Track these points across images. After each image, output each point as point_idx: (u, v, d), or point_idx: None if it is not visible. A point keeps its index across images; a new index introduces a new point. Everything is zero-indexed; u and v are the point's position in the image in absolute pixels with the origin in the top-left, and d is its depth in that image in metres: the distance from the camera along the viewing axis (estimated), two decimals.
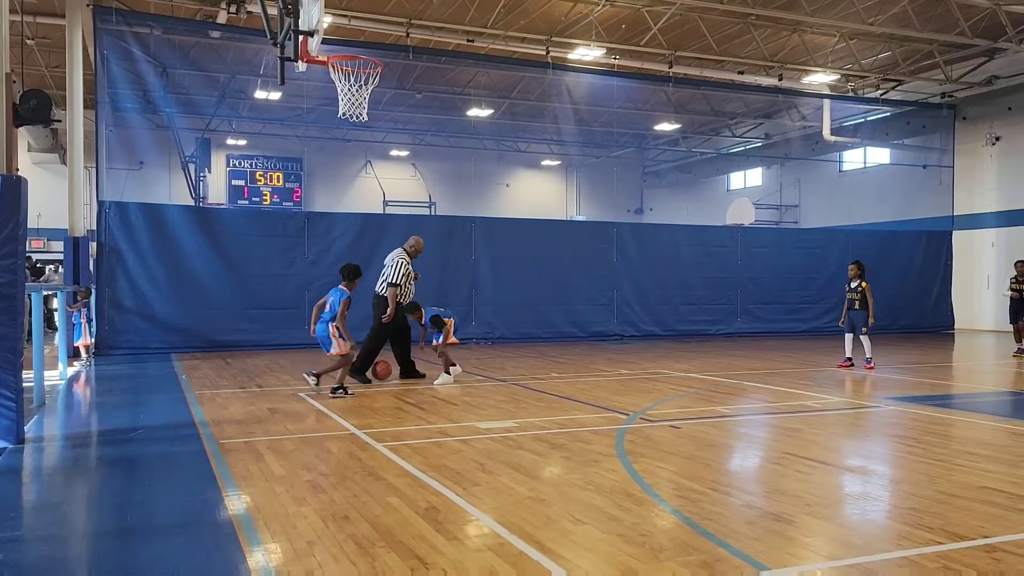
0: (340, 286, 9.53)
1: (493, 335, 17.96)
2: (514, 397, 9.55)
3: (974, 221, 23.35)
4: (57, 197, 18.23)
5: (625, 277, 19.46)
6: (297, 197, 31.75)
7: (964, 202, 23.55)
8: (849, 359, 13.04)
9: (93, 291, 14.63)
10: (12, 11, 12.61)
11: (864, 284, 12.99)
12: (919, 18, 18.56)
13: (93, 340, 14.26)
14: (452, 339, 10.54)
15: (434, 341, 10.49)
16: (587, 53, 19.99)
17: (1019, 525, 4.51)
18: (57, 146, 26.58)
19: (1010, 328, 16.01)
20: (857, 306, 13.00)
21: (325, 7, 10.42)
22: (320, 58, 10.28)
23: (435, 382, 10.55)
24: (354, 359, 10.05)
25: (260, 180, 31.47)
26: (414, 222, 19.27)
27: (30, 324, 8.98)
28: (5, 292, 6.45)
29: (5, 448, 6.48)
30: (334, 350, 9.32)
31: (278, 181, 31.72)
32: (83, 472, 6.12)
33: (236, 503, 4.93)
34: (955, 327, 22.78)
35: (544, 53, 19.72)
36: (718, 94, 25.11)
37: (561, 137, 29.71)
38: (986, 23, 18.75)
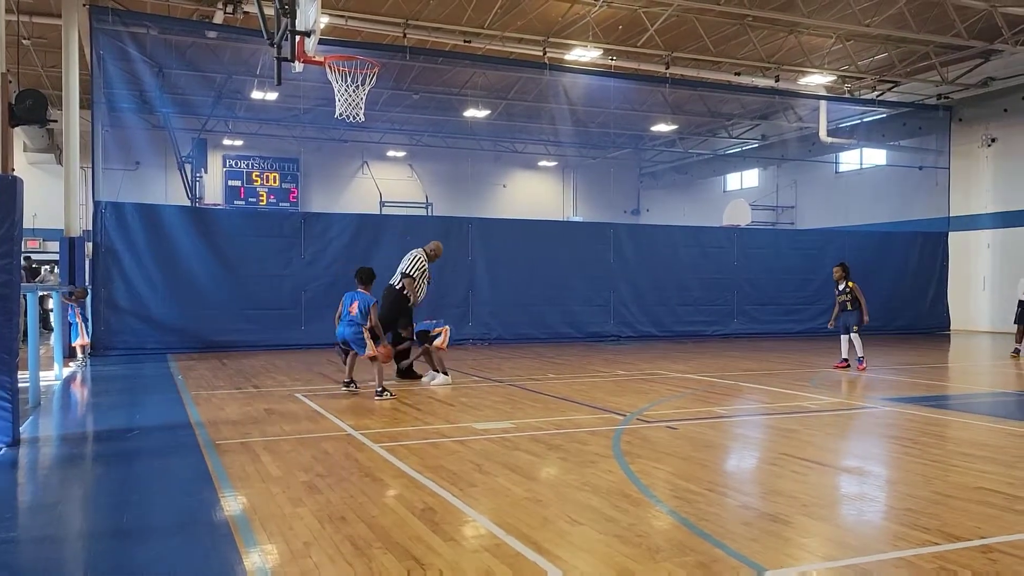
0: (359, 290, 9.56)
1: (490, 336, 17.94)
2: (511, 398, 9.55)
3: (970, 222, 23.40)
4: (53, 197, 18.19)
5: (622, 278, 19.46)
6: (294, 198, 31.72)
7: (960, 203, 23.60)
8: (845, 360, 13.06)
9: (89, 292, 14.61)
10: (8, 11, 12.60)
11: (851, 284, 13.03)
12: (915, 20, 18.59)
13: (89, 340, 14.24)
14: (443, 346, 10.65)
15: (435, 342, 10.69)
16: (584, 54, 19.98)
17: (1015, 526, 4.52)
18: (53, 146, 26.50)
19: (1008, 329, 16.05)
20: (849, 307, 13.04)
21: (322, 7, 10.40)
22: (317, 58, 10.29)
23: (432, 383, 10.57)
24: (387, 360, 9.95)
25: (256, 180, 31.44)
26: (411, 223, 19.21)
27: (26, 324, 8.96)
28: (1, 292, 6.43)
29: (0, 449, 6.47)
30: (368, 352, 9.38)
31: (274, 182, 31.68)
32: (79, 473, 6.11)
33: (232, 504, 4.92)
34: (951, 328, 22.82)
35: (541, 54, 19.72)
36: (715, 95, 25.10)
37: (558, 138, 29.65)
38: (982, 25, 18.77)
